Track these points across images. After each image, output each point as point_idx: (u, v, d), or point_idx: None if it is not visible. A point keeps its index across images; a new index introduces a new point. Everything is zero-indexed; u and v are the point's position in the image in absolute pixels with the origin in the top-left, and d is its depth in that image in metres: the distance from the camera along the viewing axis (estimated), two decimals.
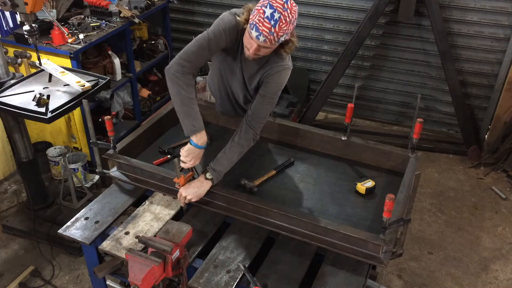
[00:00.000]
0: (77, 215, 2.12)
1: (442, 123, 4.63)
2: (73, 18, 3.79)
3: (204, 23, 4.96)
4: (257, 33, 1.87)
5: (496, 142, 4.16)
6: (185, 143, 2.58)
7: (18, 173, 3.79)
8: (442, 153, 4.38)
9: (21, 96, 2.70)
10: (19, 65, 3.18)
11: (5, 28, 3.67)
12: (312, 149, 2.57)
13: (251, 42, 1.95)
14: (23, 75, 2.96)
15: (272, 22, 1.84)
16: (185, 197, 2.06)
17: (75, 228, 2.05)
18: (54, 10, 3.69)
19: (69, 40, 3.50)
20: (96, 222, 2.08)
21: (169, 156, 2.45)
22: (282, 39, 1.92)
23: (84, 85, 2.75)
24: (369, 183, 2.26)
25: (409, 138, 2.34)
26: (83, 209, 2.15)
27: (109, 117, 2.20)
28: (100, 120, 3.60)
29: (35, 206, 3.32)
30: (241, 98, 2.36)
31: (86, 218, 2.10)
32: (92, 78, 2.92)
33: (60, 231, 2.05)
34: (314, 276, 1.85)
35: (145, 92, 4.55)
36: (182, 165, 2.10)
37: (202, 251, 1.95)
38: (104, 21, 3.83)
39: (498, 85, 4.17)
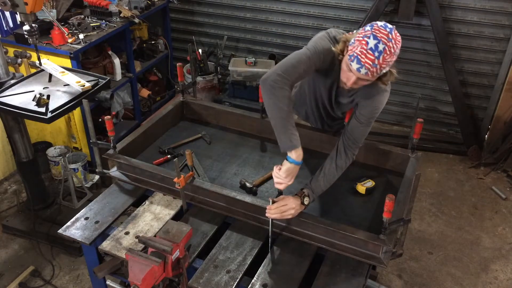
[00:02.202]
0: (77, 215, 2.12)
1: (442, 123, 4.63)
2: (73, 18, 3.79)
3: (204, 23, 4.96)
4: (358, 66, 1.77)
5: (496, 142, 4.15)
6: (185, 143, 2.60)
7: (18, 173, 3.79)
8: (442, 153, 4.37)
9: (21, 96, 2.70)
10: (19, 65, 3.17)
11: (5, 28, 3.67)
12: (312, 149, 2.56)
13: (349, 75, 1.85)
14: (23, 75, 2.95)
15: (376, 54, 1.74)
16: (283, 215, 1.91)
17: (75, 228, 2.05)
18: (54, 10, 3.69)
19: (69, 40, 3.51)
20: (96, 222, 2.08)
21: (169, 156, 2.45)
22: (384, 71, 1.82)
23: (84, 85, 2.75)
24: (369, 183, 2.26)
25: (409, 138, 2.33)
26: (83, 209, 2.15)
27: (109, 117, 2.20)
28: (100, 120, 3.60)
29: (35, 206, 3.32)
30: (328, 115, 2.31)
31: (86, 218, 2.10)
32: (92, 78, 2.92)
33: (60, 231, 2.05)
34: (314, 276, 1.85)
35: (145, 92, 4.55)
36: (278, 186, 1.94)
37: (202, 251, 1.95)
38: (104, 21, 3.83)
39: (498, 85, 4.17)
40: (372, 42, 1.75)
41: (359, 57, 1.76)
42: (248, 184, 2.26)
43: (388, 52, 1.78)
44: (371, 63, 1.76)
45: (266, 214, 1.93)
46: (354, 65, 1.79)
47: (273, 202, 1.93)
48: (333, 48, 1.92)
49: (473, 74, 4.30)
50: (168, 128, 2.74)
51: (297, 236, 1.98)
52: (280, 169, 1.92)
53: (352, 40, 1.83)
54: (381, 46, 1.76)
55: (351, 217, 2.13)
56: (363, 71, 1.78)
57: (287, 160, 1.91)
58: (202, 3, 4.85)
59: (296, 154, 1.90)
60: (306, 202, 1.97)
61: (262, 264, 1.89)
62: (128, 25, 3.97)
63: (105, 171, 2.35)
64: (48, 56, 3.37)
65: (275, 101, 1.90)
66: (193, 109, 2.82)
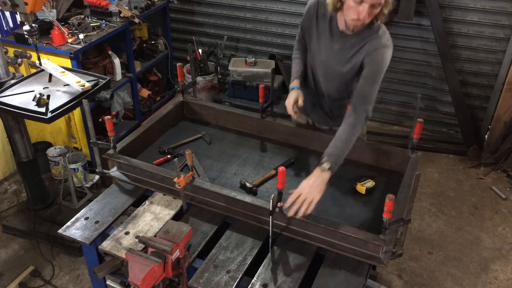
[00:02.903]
0: (77, 215, 2.12)
1: (442, 123, 4.63)
2: (73, 18, 3.79)
3: (204, 23, 4.96)
4: None
5: (496, 142, 4.16)
6: (185, 143, 2.60)
7: (18, 173, 3.79)
8: (442, 153, 4.38)
9: (21, 96, 2.70)
10: (19, 65, 3.18)
11: (5, 28, 3.67)
12: (312, 149, 2.56)
13: (360, 9, 1.94)
14: (23, 75, 2.96)
15: None
16: (309, 202, 1.85)
17: (75, 228, 2.05)
18: (54, 10, 3.70)
19: (69, 40, 3.51)
20: (96, 222, 2.07)
21: (169, 156, 2.45)
22: None
23: (84, 85, 2.75)
24: (369, 183, 2.26)
25: (409, 138, 2.33)
26: (83, 209, 2.15)
27: (109, 117, 2.20)
28: (100, 120, 3.60)
29: (35, 206, 3.32)
30: (335, 90, 2.35)
31: (86, 218, 2.10)
32: (92, 78, 2.92)
33: (60, 231, 2.05)
34: (314, 276, 1.85)
35: (145, 92, 4.55)
36: (288, 108, 2.34)
37: (202, 251, 1.95)
38: (104, 21, 3.83)
39: (498, 85, 4.17)
40: None
41: None
42: (248, 184, 2.26)
43: None
44: None
45: (289, 215, 1.89)
46: None
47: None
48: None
49: (473, 74, 4.30)
50: (168, 128, 2.74)
51: (297, 236, 1.98)
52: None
53: None
54: None
55: (351, 217, 2.13)
56: None
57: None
58: (202, 3, 4.85)
59: (293, 84, 2.39)
60: (326, 166, 1.94)
61: (262, 264, 1.89)
62: (128, 25, 3.97)
63: (105, 171, 2.35)
64: (48, 56, 3.37)
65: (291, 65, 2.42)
66: (193, 109, 2.82)
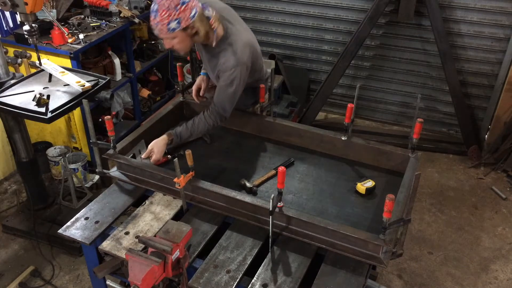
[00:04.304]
0: (77, 215, 2.12)
1: (442, 123, 4.64)
2: (73, 18, 3.79)
3: None
4: (154, 30, 2.14)
5: (496, 142, 4.16)
6: (186, 143, 2.60)
7: (18, 173, 3.80)
8: (442, 153, 4.38)
9: (21, 96, 2.70)
10: (19, 65, 3.18)
11: (5, 28, 3.67)
12: (312, 149, 2.57)
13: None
14: (23, 75, 2.96)
15: (153, 14, 2.06)
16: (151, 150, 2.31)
17: (75, 228, 2.05)
18: (54, 10, 3.70)
19: (69, 40, 3.51)
20: (96, 222, 2.07)
21: (169, 156, 2.45)
22: (175, 26, 2.08)
23: (84, 85, 2.75)
24: (369, 183, 2.26)
25: (409, 138, 2.33)
26: (83, 209, 2.15)
27: (109, 117, 2.20)
28: (100, 120, 3.60)
29: (35, 206, 3.32)
30: None
31: (86, 218, 2.10)
32: (92, 78, 2.92)
33: (60, 231, 2.05)
34: (314, 276, 1.85)
35: (145, 92, 4.55)
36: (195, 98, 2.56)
37: (202, 251, 1.95)
38: (104, 21, 3.83)
39: (498, 85, 4.18)
40: (152, 6, 2.08)
41: (150, 23, 2.13)
42: (248, 184, 2.26)
43: (163, 9, 2.03)
44: (152, 23, 2.10)
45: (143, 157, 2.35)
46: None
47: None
48: None
49: (473, 74, 4.30)
50: (168, 128, 2.73)
51: (297, 236, 1.98)
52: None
53: None
54: (154, 7, 2.06)
55: (351, 217, 2.13)
56: (156, 32, 2.14)
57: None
58: None
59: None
60: (169, 139, 2.39)
61: (262, 264, 1.89)
62: (128, 25, 3.97)
63: (105, 171, 2.35)
64: (48, 56, 3.37)
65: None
66: (193, 109, 2.82)
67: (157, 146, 2.34)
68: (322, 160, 2.51)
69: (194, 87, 2.64)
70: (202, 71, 2.64)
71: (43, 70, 2.91)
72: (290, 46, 4.74)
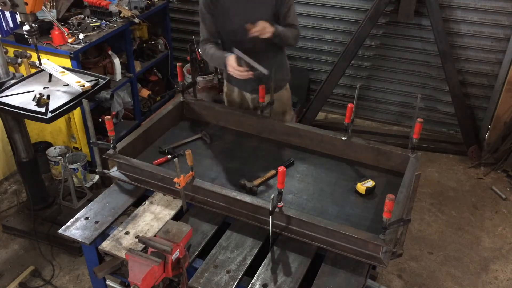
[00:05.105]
0: (77, 215, 2.12)
1: (442, 123, 4.64)
2: (73, 18, 3.79)
3: None
4: None
5: (496, 142, 4.16)
6: (185, 143, 2.60)
7: (18, 173, 3.79)
8: (442, 153, 4.38)
9: (21, 96, 2.70)
10: (19, 65, 3.18)
11: (5, 28, 3.67)
12: (312, 149, 2.57)
13: None
14: (23, 75, 2.96)
15: None
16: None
17: (75, 228, 2.05)
18: (54, 10, 3.70)
19: (69, 40, 3.51)
20: (96, 222, 2.07)
21: (169, 156, 2.45)
22: None
23: (84, 85, 2.75)
24: (369, 183, 2.26)
25: (409, 138, 2.33)
26: (83, 209, 2.15)
27: (109, 117, 2.20)
28: (100, 120, 3.60)
29: (35, 206, 3.32)
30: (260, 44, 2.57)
31: (86, 218, 2.10)
32: (92, 78, 2.92)
33: (60, 231, 2.05)
34: (314, 276, 1.85)
35: (145, 92, 4.55)
36: (237, 73, 2.40)
37: (202, 251, 1.95)
38: (104, 21, 3.83)
39: (498, 85, 4.17)
40: None
41: None
42: (248, 184, 2.26)
43: None
44: None
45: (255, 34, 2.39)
46: None
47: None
48: None
49: (473, 74, 4.30)
50: (168, 128, 2.74)
51: (297, 236, 1.98)
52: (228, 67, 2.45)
53: None
54: None
55: (351, 217, 2.13)
56: None
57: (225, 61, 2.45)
58: None
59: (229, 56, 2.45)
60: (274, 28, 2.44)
61: (262, 264, 1.89)
62: (128, 25, 3.97)
63: (105, 171, 2.35)
64: (48, 56, 3.37)
65: (208, 58, 2.63)
66: (193, 109, 2.82)
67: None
68: (322, 160, 2.51)
69: (234, 64, 2.44)
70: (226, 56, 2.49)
71: (43, 70, 2.91)
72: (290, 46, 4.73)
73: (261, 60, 2.47)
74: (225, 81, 2.99)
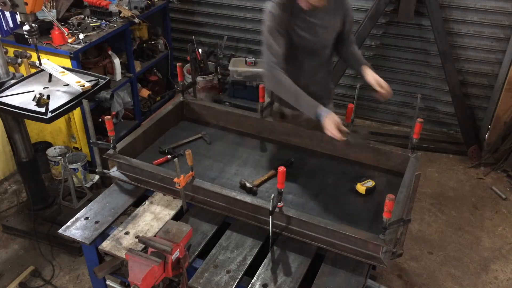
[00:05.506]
0: (77, 215, 2.12)
1: (442, 123, 4.64)
2: (73, 18, 3.79)
3: (204, 23, 4.96)
4: None
5: (496, 142, 4.16)
6: (185, 143, 2.60)
7: (18, 173, 3.79)
8: (442, 153, 4.38)
9: (21, 96, 2.70)
10: (19, 65, 3.18)
11: (5, 28, 3.67)
12: (312, 149, 2.57)
13: None
14: (23, 75, 2.96)
15: None
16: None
17: (75, 228, 2.05)
18: (54, 10, 3.70)
19: (69, 40, 3.51)
20: (96, 222, 2.07)
21: (169, 156, 2.45)
22: None
23: (84, 85, 2.75)
24: (369, 183, 2.26)
25: (409, 138, 2.33)
26: (83, 209, 2.15)
27: (109, 117, 2.20)
28: (100, 120, 3.60)
29: (35, 206, 3.32)
30: (328, 52, 2.56)
31: (86, 218, 2.10)
32: (92, 78, 2.92)
33: (60, 231, 2.05)
34: (314, 276, 1.85)
35: (145, 92, 4.55)
36: (337, 136, 2.14)
37: (202, 251, 1.95)
38: (104, 21, 3.83)
39: (498, 85, 4.17)
40: None
41: None
42: (248, 184, 2.26)
43: None
44: None
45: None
46: None
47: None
48: None
49: (473, 74, 4.30)
50: (168, 128, 2.74)
51: (297, 236, 1.98)
52: (326, 129, 2.18)
53: None
54: None
55: (351, 217, 2.12)
56: None
57: (321, 119, 2.18)
58: (202, 3, 4.85)
59: (322, 109, 2.20)
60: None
61: (262, 264, 1.89)
62: (128, 25, 3.97)
63: (105, 171, 2.35)
64: (48, 56, 3.37)
65: (278, 87, 2.32)
66: (193, 109, 2.82)
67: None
68: (322, 160, 2.51)
69: (335, 126, 2.16)
70: (325, 112, 2.21)
71: (43, 70, 2.91)
72: None
73: (324, 70, 2.57)
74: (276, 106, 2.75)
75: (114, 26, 3.81)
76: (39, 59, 2.83)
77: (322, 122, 2.17)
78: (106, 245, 1.95)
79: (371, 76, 2.43)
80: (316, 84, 2.54)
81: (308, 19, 2.35)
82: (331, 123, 2.15)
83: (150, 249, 1.69)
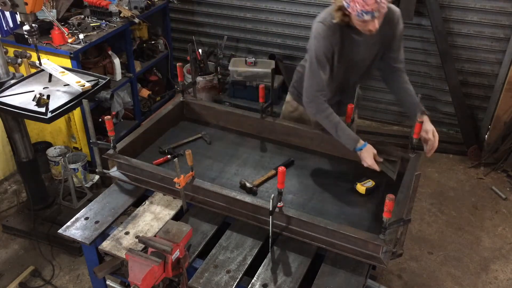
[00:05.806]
0: (77, 215, 2.12)
1: (442, 123, 4.63)
2: (73, 18, 3.79)
3: (204, 23, 4.96)
4: (370, 15, 2.00)
5: (496, 142, 4.15)
6: (185, 143, 2.60)
7: (18, 173, 3.79)
8: (442, 153, 4.37)
9: (21, 96, 2.70)
10: (19, 65, 3.18)
11: (5, 28, 3.67)
12: (312, 149, 2.57)
13: (370, 24, 2.07)
14: (23, 75, 2.96)
15: None
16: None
17: (75, 228, 2.05)
18: (54, 10, 3.70)
19: (69, 40, 3.51)
20: (96, 222, 2.08)
21: (169, 156, 2.45)
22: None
23: (84, 85, 2.75)
24: (369, 183, 2.26)
25: (409, 138, 2.34)
26: (83, 209, 2.15)
27: (109, 117, 2.20)
28: (100, 120, 3.60)
29: (35, 206, 3.32)
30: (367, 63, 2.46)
31: (86, 218, 2.10)
32: (92, 78, 2.92)
33: (60, 231, 2.05)
34: (314, 276, 1.85)
35: (145, 92, 4.55)
36: (374, 167, 2.23)
37: (202, 251, 1.95)
38: (104, 21, 3.83)
39: (498, 85, 4.17)
40: None
41: (364, 10, 1.99)
42: (248, 184, 2.26)
43: None
44: (375, 5, 1.98)
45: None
46: (367, 17, 2.02)
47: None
48: (334, 21, 2.18)
49: (473, 74, 4.30)
50: (168, 128, 2.74)
51: (297, 236, 1.98)
52: (364, 161, 2.26)
53: (345, 4, 2.06)
54: None
55: (351, 217, 2.13)
56: (376, 14, 2.02)
57: (358, 151, 2.26)
58: (202, 3, 4.85)
59: (362, 142, 2.26)
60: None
61: (262, 264, 1.89)
62: (128, 25, 3.97)
63: (105, 171, 2.35)
64: (48, 56, 3.37)
65: (320, 115, 2.31)
66: (193, 109, 2.82)
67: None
68: (322, 160, 2.51)
69: (372, 159, 2.26)
70: (361, 145, 2.28)
71: (43, 70, 2.91)
72: (290, 46, 4.73)
73: (357, 80, 2.50)
74: (290, 99, 2.77)
75: (114, 26, 3.81)
76: (39, 59, 2.83)
77: (360, 154, 2.26)
78: (106, 245, 1.95)
79: (424, 128, 2.42)
80: (345, 92, 2.53)
81: (352, 36, 2.25)
82: (368, 156, 2.24)
83: (150, 249, 1.69)
